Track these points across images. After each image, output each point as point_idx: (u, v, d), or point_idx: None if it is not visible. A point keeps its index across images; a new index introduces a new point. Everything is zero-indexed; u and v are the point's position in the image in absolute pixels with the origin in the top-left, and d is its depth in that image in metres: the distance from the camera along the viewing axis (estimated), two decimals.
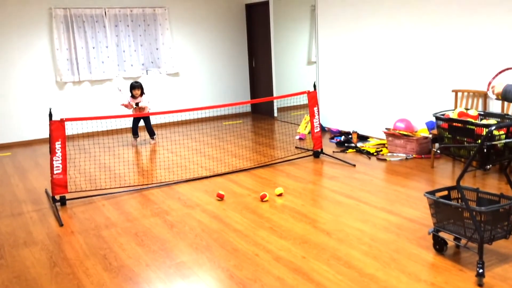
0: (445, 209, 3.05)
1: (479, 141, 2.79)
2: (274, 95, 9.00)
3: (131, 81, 8.27)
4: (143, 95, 7.03)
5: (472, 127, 2.83)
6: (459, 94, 5.31)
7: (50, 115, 4.44)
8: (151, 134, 7.21)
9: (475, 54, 5.13)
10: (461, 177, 2.86)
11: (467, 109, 3.07)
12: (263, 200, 4.36)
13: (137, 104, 6.96)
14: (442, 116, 3.01)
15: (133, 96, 6.97)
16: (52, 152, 4.40)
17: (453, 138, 2.96)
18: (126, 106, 6.95)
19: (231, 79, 9.37)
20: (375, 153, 5.87)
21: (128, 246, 3.53)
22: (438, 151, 2.87)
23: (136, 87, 6.95)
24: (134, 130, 7.16)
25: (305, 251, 3.31)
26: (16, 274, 3.18)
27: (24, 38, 7.41)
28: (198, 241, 3.56)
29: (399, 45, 6.05)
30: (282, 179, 5.02)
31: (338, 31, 7.02)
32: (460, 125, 2.90)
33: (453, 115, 3.01)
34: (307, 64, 9.62)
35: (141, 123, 7.38)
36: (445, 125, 3.00)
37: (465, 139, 2.89)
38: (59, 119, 4.54)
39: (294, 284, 2.86)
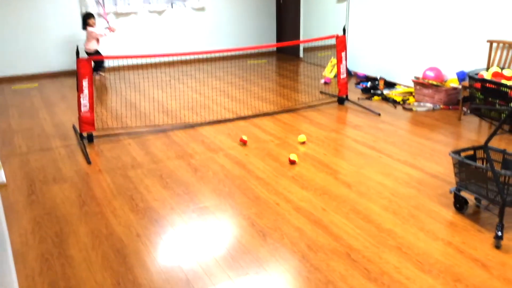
0: (469, 170, 3.03)
1: None
2: (301, 33, 8.77)
3: (156, 14, 8.14)
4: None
5: (506, 89, 2.75)
6: (494, 45, 5.09)
7: (77, 52, 4.45)
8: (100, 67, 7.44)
9: None
10: (489, 139, 2.82)
11: (502, 69, 2.97)
12: (292, 163, 4.02)
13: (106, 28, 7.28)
14: (475, 76, 2.92)
15: (90, 26, 7.14)
16: (79, 89, 4.44)
17: (485, 99, 2.89)
18: (110, 29, 7.31)
19: (257, 15, 9.12)
20: (401, 102, 5.78)
21: (153, 188, 3.64)
22: (468, 112, 2.81)
23: (92, 16, 7.14)
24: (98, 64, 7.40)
25: (325, 202, 3.37)
26: (47, 210, 3.34)
27: None
28: (221, 187, 3.65)
29: None
30: (306, 126, 5.02)
31: None
32: (493, 86, 2.82)
33: (487, 75, 2.92)
34: (337, 2, 9.25)
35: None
36: (478, 85, 2.91)
37: (497, 101, 2.82)
38: (85, 56, 4.54)
39: (313, 236, 2.95)
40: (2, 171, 1.74)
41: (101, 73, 7.47)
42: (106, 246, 2.90)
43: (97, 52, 7.22)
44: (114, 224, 3.14)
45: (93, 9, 7.61)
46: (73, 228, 3.11)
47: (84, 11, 7.57)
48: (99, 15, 7.43)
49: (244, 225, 3.09)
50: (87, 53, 7.18)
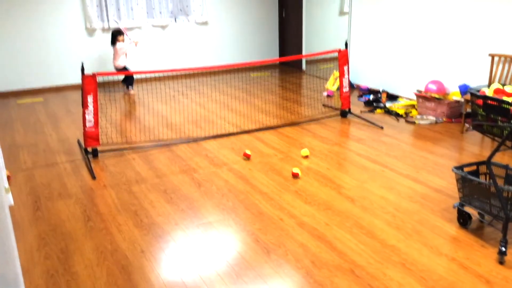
0: (472, 185, 3.04)
1: None
2: (304, 47, 8.83)
3: (159, 29, 8.22)
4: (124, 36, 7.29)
5: (507, 106, 2.77)
6: (496, 58, 5.12)
7: (82, 69, 4.50)
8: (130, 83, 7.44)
9: None
10: (492, 155, 2.83)
11: (503, 85, 2.99)
12: (295, 177, 4.06)
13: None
14: (477, 93, 2.95)
15: (119, 42, 7.19)
16: (84, 105, 4.49)
17: (487, 116, 2.91)
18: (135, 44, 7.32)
19: (260, 29, 9.20)
20: (404, 115, 5.80)
21: (157, 204, 3.67)
22: (471, 128, 2.83)
23: (122, 33, 7.19)
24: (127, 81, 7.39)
25: (328, 217, 3.38)
26: (52, 227, 3.36)
27: None
28: (224, 202, 3.67)
29: (436, 3, 5.81)
30: (309, 139, 5.04)
31: None
32: (495, 103, 2.84)
33: (489, 92, 2.95)
34: (339, 14, 9.32)
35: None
36: (479, 101, 2.94)
37: (499, 117, 2.84)
38: (91, 73, 4.59)
39: (316, 252, 2.96)
40: (10, 194, 1.77)
41: (130, 89, 7.43)
42: (111, 263, 2.92)
43: (125, 68, 7.27)
44: (118, 240, 3.16)
45: (96, 24, 7.69)
46: (78, 244, 3.13)
47: (89, 25, 7.66)
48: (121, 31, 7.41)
49: (248, 241, 3.11)
50: (117, 69, 7.25)
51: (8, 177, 3.02)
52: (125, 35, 7.23)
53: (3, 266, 1.34)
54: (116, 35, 7.16)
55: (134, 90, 7.43)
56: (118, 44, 7.12)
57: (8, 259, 1.38)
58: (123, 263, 2.90)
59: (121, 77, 7.70)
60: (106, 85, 7.89)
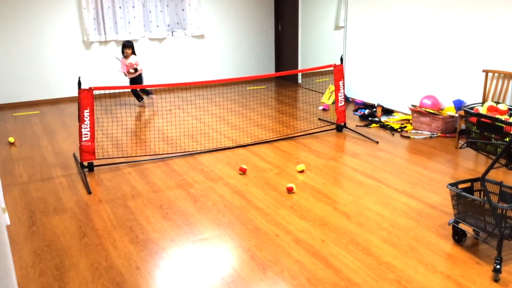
0: (467, 202, 3.06)
1: (507, 139, 2.76)
2: (300, 60, 8.90)
3: (157, 42, 8.26)
4: (134, 55, 7.20)
5: (501, 124, 2.81)
6: (490, 74, 5.18)
7: (79, 83, 4.51)
8: (139, 97, 7.36)
9: (509, 32, 4.96)
10: (486, 173, 2.86)
11: (497, 103, 3.03)
12: (290, 192, 4.08)
13: (130, 67, 7.18)
14: (471, 111, 2.98)
15: (124, 56, 7.16)
16: (80, 120, 4.50)
17: (481, 133, 2.94)
18: (124, 72, 7.19)
19: (256, 42, 9.27)
20: (399, 129, 5.84)
21: (153, 219, 3.66)
22: (465, 145, 2.85)
23: (127, 47, 7.13)
24: (136, 95, 7.34)
25: (324, 234, 3.39)
26: (47, 242, 3.35)
27: None
28: (220, 217, 3.67)
29: (431, 19, 5.88)
30: (304, 154, 5.06)
31: None
32: (488, 121, 2.87)
33: (482, 109, 2.98)
34: (334, 28, 9.41)
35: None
36: (473, 119, 2.97)
37: (493, 135, 2.87)
38: (87, 87, 4.59)
39: (312, 269, 2.96)
40: (7, 214, 1.77)
41: (143, 101, 7.41)
42: (105, 279, 2.90)
43: (137, 79, 7.28)
44: (114, 257, 3.15)
45: (94, 37, 7.72)
46: (73, 260, 3.12)
47: (86, 39, 7.69)
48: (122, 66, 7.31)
49: (244, 258, 3.10)
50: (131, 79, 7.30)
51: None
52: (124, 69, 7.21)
53: None
54: (123, 48, 7.17)
55: (144, 102, 7.44)
56: (121, 58, 7.17)
57: (3, 274, 1.38)
58: (118, 280, 2.89)
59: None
60: (103, 98, 7.90)
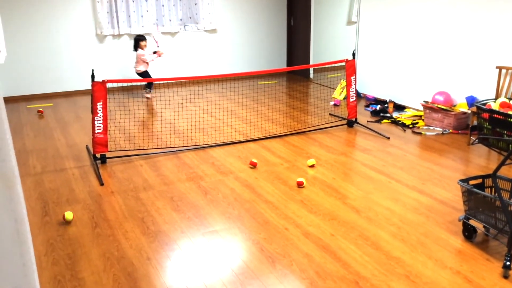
0: (478, 198, 3.05)
1: None
2: (312, 55, 8.88)
3: (169, 36, 8.29)
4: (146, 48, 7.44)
5: None
6: (503, 71, 5.13)
7: (93, 76, 4.56)
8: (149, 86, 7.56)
9: None
10: (498, 169, 2.85)
11: (510, 99, 3.01)
12: (300, 186, 4.09)
13: (154, 52, 7.45)
14: (483, 107, 2.96)
15: (141, 48, 7.33)
16: (93, 112, 4.55)
17: (493, 130, 2.92)
18: (158, 54, 7.45)
19: (268, 37, 9.26)
20: (410, 125, 5.81)
21: (164, 211, 3.70)
22: (476, 141, 2.84)
23: (144, 39, 7.33)
24: (147, 84, 7.54)
25: (334, 228, 3.40)
26: (60, 232, 3.40)
27: None
28: (230, 210, 3.70)
29: (444, 14, 5.83)
30: (315, 149, 5.06)
31: None
32: (501, 117, 2.85)
33: (495, 105, 2.96)
34: (346, 24, 9.36)
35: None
36: (485, 115, 2.95)
37: (505, 131, 2.85)
38: (101, 80, 4.65)
39: (321, 262, 2.98)
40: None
41: (147, 94, 7.55)
42: (117, 269, 2.95)
43: (146, 72, 7.45)
44: (125, 247, 3.20)
45: (107, 30, 7.78)
46: (85, 250, 3.17)
47: (99, 32, 7.75)
48: (152, 37, 7.57)
49: (253, 251, 3.13)
50: (137, 73, 7.45)
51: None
52: (154, 41, 7.37)
53: (21, 278, 1.38)
54: (138, 40, 7.28)
55: (151, 95, 7.51)
56: (139, 50, 7.26)
57: (26, 272, 1.41)
58: (129, 270, 2.94)
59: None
60: (116, 91, 7.97)
